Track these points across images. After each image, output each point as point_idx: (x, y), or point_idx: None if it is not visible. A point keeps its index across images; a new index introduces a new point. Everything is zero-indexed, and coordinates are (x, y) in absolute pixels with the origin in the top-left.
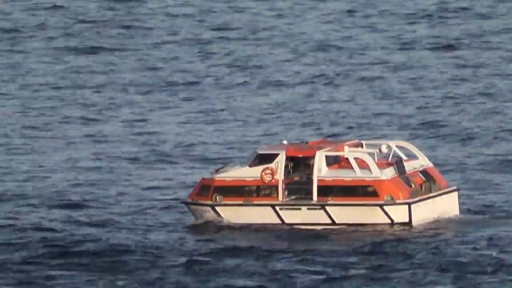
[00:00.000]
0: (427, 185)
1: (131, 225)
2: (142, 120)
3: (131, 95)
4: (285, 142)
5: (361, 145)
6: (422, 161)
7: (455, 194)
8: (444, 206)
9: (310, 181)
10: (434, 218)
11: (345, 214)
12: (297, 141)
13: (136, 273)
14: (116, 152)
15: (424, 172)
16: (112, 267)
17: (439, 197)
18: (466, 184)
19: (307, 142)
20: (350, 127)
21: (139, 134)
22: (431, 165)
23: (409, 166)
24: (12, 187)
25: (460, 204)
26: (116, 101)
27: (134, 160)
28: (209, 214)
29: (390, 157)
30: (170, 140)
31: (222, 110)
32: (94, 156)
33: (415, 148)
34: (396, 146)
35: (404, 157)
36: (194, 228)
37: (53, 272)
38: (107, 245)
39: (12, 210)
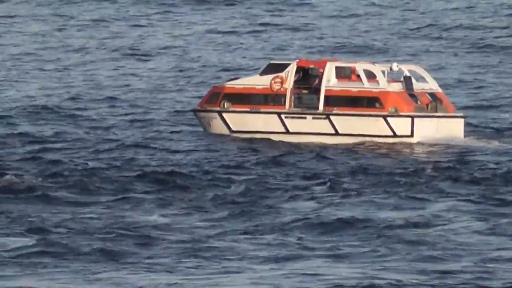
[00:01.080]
0: (433, 105)
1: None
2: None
3: None
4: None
5: (373, 65)
6: (432, 85)
7: (461, 120)
8: (449, 129)
9: (318, 91)
10: (437, 137)
11: (349, 124)
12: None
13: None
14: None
15: (432, 95)
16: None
17: (444, 119)
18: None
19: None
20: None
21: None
22: (440, 90)
23: (419, 86)
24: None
25: (466, 131)
26: None
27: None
28: (215, 121)
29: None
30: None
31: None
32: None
33: (426, 72)
34: (408, 70)
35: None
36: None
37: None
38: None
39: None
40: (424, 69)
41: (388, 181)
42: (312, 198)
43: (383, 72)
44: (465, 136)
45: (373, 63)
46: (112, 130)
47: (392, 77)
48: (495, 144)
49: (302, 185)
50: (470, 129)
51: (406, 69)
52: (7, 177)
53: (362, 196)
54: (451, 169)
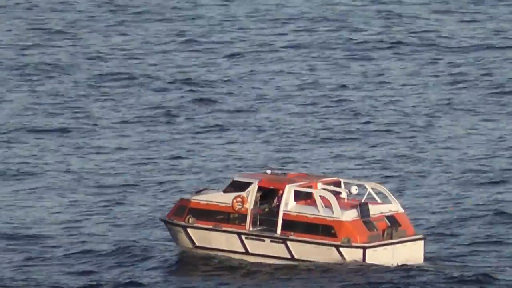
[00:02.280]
0: (389, 231)
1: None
2: None
3: None
4: (268, 171)
5: (339, 183)
6: (392, 206)
7: (421, 242)
8: (407, 253)
9: (277, 213)
10: (393, 264)
11: (304, 251)
12: (279, 172)
13: None
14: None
15: (391, 217)
16: None
17: (401, 244)
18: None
19: (286, 174)
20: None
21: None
22: (401, 211)
23: (377, 210)
24: None
25: (427, 252)
26: None
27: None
28: (181, 235)
29: (364, 197)
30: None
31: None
32: None
33: (388, 192)
34: (371, 188)
35: (378, 199)
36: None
37: None
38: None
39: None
40: (386, 188)
41: None
42: None
43: (343, 193)
44: (425, 259)
45: (339, 181)
46: None
47: (353, 197)
48: (454, 268)
49: None
50: (433, 250)
51: (369, 186)
52: None
53: None
54: None
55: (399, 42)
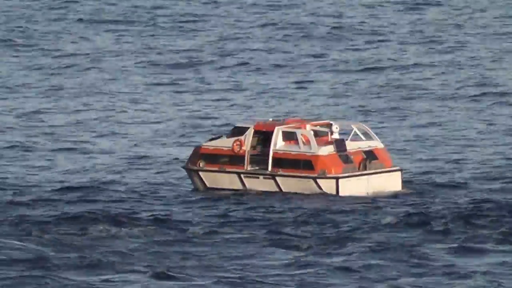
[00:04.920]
0: (364, 162)
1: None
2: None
3: None
4: (270, 119)
5: (330, 125)
6: (372, 143)
7: (398, 173)
8: (383, 184)
9: (268, 153)
10: (368, 193)
11: (289, 184)
12: (280, 119)
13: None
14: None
15: (368, 152)
16: None
17: (376, 175)
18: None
19: (284, 120)
20: None
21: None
22: (380, 146)
23: (355, 145)
24: None
25: (405, 183)
26: None
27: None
28: (196, 178)
29: (350, 136)
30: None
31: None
32: None
33: (369, 130)
34: (356, 128)
35: (362, 137)
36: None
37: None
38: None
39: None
40: (369, 127)
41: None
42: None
43: (326, 132)
44: (403, 189)
45: (330, 123)
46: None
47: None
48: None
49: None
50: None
51: (354, 126)
52: None
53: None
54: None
55: None
